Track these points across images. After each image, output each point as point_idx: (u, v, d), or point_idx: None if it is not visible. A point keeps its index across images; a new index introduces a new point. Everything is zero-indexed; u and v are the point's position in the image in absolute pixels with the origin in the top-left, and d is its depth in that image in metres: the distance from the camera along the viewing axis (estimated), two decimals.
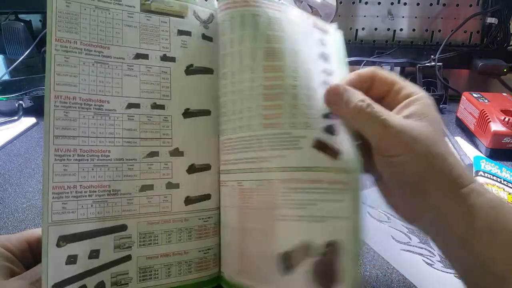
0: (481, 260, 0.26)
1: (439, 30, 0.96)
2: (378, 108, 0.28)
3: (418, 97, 0.29)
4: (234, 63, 0.32)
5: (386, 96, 0.31)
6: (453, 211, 0.27)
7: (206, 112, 0.34)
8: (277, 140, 0.30)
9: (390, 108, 0.30)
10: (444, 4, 0.93)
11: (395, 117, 0.28)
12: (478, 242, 0.26)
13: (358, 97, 0.29)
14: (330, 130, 0.30)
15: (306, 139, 0.29)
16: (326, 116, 0.30)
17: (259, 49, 0.31)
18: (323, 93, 0.30)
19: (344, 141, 0.30)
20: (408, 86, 0.30)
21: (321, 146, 0.29)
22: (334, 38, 0.36)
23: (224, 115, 0.33)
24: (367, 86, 0.31)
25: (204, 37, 0.34)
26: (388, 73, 0.32)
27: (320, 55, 0.33)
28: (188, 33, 0.34)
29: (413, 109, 0.29)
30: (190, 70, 0.34)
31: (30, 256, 0.29)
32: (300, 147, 0.29)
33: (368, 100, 0.28)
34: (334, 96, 0.29)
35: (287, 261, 0.28)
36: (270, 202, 0.29)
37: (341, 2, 0.93)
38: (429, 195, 0.28)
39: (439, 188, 0.27)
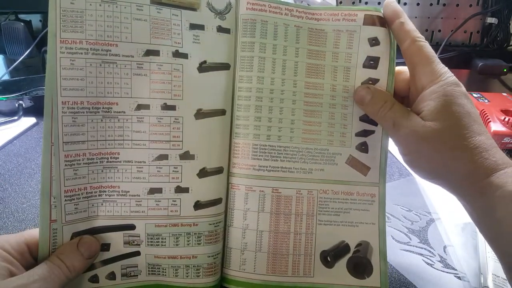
0: (507, 239, 0.27)
1: (439, 30, 0.96)
2: (395, 109, 0.31)
3: (434, 89, 0.30)
4: (273, 70, 0.33)
5: (414, 70, 0.32)
6: (469, 203, 0.29)
7: (220, 112, 0.33)
8: (317, 155, 0.34)
9: (413, 98, 0.32)
10: (444, 4, 0.93)
11: (408, 118, 0.30)
12: (499, 228, 0.28)
13: (379, 101, 0.32)
14: (362, 148, 0.34)
15: (341, 156, 0.34)
16: (359, 134, 0.34)
17: (301, 63, 0.33)
18: (360, 110, 0.34)
19: (373, 158, 0.34)
20: (427, 73, 0.30)
21: (354, 163, 0.34)
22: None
23: (256, 119, 0.33)
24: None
25: (220, 29, 0.32)
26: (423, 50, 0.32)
27: (366, 62, 0.33)
28: (201, 27, 0.32)
29: (427, 106, 0.30)
30: (203, 67, 0.32)
31: (29, 257, 0.29)
32: (336, 163, 0.34)
33: (388, 103, 0.31)
34: (359, 99, 0.33)
35: (328, 257, 0.34)
36: (311, 209, 0.34)
37: (341, 2, 0.92)
38: (445, 188, 0.31)
39: (451, 184, 0.30)
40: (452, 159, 0.29)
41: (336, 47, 0.33)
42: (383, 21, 0.33)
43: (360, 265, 0.33)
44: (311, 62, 0.33)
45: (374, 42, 0.33)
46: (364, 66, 0.33)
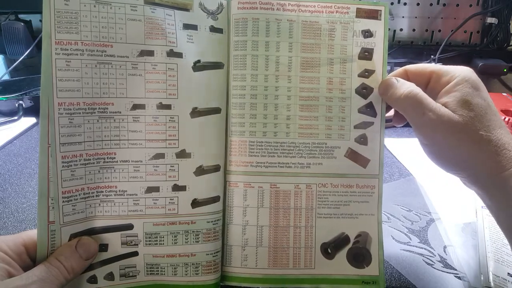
0: None
1: (439, 30, 0.95)
2: (424, 94, 0.30)
3: (457, 82, 0.30)
4: (266, 67, 0.33)
5: (427, 87, 0.33)
6: (490, 195, 0.29)
7: (216, 110, 0.33)
8: (315, 149, 0.34)
9: (433, 97, 0.31)
10: (444, 4, 0.93)
11: (436, 106, 0.30)
12: None
13: (406, 85, 0.31)
14: (361, 140, 0.34)
15: (340, 149, 0.34)
16: (358, 126, 0.34)
17: (295, 58, 0.33)
18: (358, 101, 0.34)
19: (373, 150, 0.34)
20: (446, 72, 0.31)
21: (353, 156, 0.34)
22: (383, 19, 0.34)
23: (251, 117, 0.33)
24: None
25: (213, 29, 0.33)
26: (421, 66, 0.33)
27: (362, 54, 0.34)
28: (194, 27, 0.32)
29: (452, 98, 0.30)
30: (198, 66, 0.32)
31: (27, 258, 0.29)
32: (334, 157, 0.34)
33: (415, 89, 0.31)
34: (386, 87, 0.33)
35: (329, 249, 0.34)
36: (310, 203, 0.34)
37: None
38: (466, 179, 0.31)
39: (475, 175, 0.30)
40: (478, 149, 0.29)
41: (331, 39, 0.34)
42: (375, 14, 0.34)
43: (360, 255, 0.34)
44: (306, 56, 0.33)
45: (367, 34, 0.34)
46: (360, 57, 0.34)
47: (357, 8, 0.34)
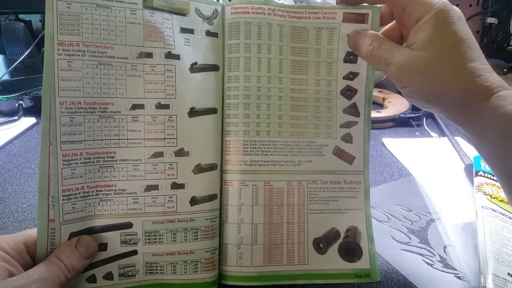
0: (500, 160, 0.29)
1: None
2: (383, 47, 0.32)
3: (426, 19, 0.29)
4: (258, 68, 0.34)
5: (402, 14, 0.32)
6: (465, 129, 0.30)
7: (212, 111, 0.34)
8: (305, 147, 0.35)
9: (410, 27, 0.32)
10: None
11: (398, 53, 0.31)
12: (493, 149, 0.29)
13: (367, 42, 0.32)
14: (346, 138, 0.36)
15: (328, 147, 0.36)
16: (343, 125, 0.36)
17: (285, 60, 0.34)
18: (342, 102, 0.35)
19: (357, 148, 0.36)
20: (422, 3, 0.30)
21: (340, 154, 0.36)
22: (372, 22, 0.34)
23: (245, 116, 0.34)
24: None
25: (209, 33, 0.34)
26: None
27: (347, 57, 0.35)
28: (190, 31, 0.33)
29: (417, 38, 0.30)
30: (195, 68, 0.33)
31: (27, 257, 0.29)
32: (323, 154, 0.36)
33: (375, 43, 0.32)
34: (353, 45, 0.34)
35: (321, 244, 0.35)
36: (301, 200, 0.35)
37: None
38: (441, 115, 0.32)
39: (447, 111, 0.31)
40: (445, 87, 0.29)
41: (318, 43, 0.35)
42: (362, 17, 0.34)
43: (351, 249, 0.35)
44: (295, 59, 0.35)
45: None
46: (345, 61, 0.35)
47: (344, 12, 0.34)
